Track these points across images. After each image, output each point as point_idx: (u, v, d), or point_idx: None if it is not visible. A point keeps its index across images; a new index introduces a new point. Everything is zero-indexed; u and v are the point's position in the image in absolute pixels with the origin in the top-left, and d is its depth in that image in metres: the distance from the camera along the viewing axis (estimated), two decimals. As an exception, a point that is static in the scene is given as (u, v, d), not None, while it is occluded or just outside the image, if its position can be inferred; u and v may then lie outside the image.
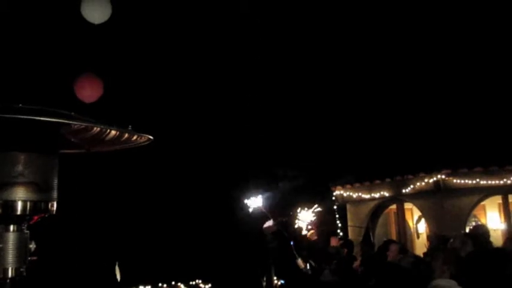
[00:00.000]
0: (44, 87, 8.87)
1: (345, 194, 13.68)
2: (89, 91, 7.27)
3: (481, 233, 6.26)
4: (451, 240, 6.17)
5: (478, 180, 11.20)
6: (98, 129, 1.25)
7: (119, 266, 8.99)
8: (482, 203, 11.84)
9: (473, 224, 10.74)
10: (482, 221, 11.98)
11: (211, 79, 12.78)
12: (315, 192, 13.26)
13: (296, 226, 10.73)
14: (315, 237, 10.14)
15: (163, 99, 12.37)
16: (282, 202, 11.18)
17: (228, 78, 12.79)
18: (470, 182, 11.25)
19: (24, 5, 8.97)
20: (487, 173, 11.21)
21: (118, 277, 8.86)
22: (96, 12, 6.77)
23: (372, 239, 12.15)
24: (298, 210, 11.11)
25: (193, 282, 10.51)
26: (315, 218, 11.14)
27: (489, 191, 11.35)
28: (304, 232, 10.51)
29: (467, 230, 9.72)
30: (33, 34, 9.39)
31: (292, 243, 7.58)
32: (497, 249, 5.71)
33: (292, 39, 12.32)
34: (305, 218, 11.04)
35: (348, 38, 12.56)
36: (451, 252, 4.11)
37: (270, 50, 12.19)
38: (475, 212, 11.95)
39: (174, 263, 11.32)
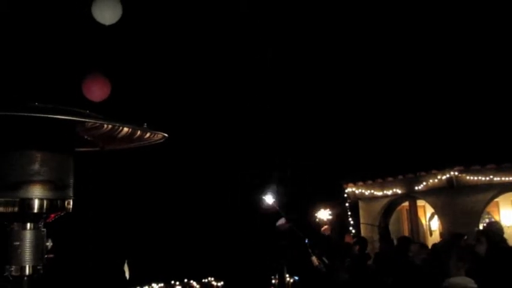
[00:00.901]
0: (54, 87, 8.94)
1: (357, 191, 13.64)
2: (97, 90, 7.33)
3: (495, 230, 6.19)
4: (465, 237, 6.12)
5: (491, 177, 11.11)
6: (110, 126, 1.25)
7: (129, 264, 9.06)
8: (496, 199, 11.75)
9: (487, 221, 10.65)
10: (496, 218, 11.88)
11: (217, 79, 12.79)
12: (328, 189, 13.25)
13: (314, 224, 10.78)
14: (329, 233, 10.15)
15: (170, 98, 12.41)
16: (295, 200, 11.18)
17: (234, 77, 12.79)
18: (483, 178, 11.16)
19: (38, 4, 9.05)
20: (500, 170, 11.11)
21: (127, 275, 8.94)
22: (106, 14, 6.81)
23: (391, 236, 12.10)
24: (316, 209, 11.16)
25: (206, 280, 10.55)
26: (331, 215, 11.21)
27: (502, 188, 11.25)
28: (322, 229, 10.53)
29: (480, 227, 9.63)
30: (45, 34, 9.47)
31: (307, 240, 7.55)
32: None
33: (293, 39, 12.29)
34: (322, 215, 11.10)
35: (354, 34, 12.50)
36: (466, 250, 4.08)
37: (271, 50, 12.17)
38: (489, 209, 11.85)
39: (187, 261, 11.37)
